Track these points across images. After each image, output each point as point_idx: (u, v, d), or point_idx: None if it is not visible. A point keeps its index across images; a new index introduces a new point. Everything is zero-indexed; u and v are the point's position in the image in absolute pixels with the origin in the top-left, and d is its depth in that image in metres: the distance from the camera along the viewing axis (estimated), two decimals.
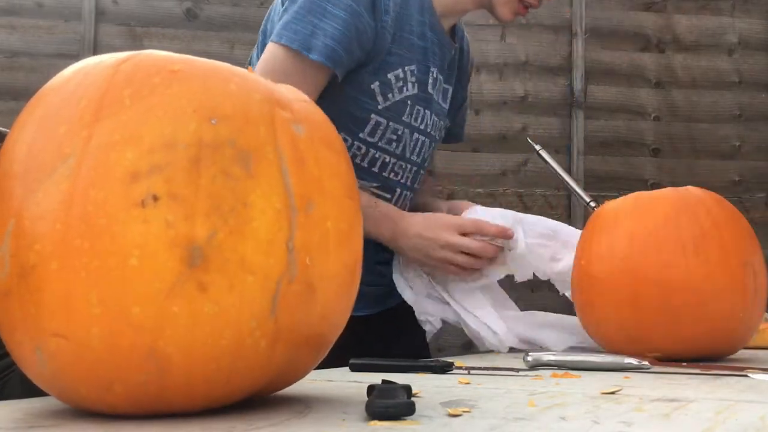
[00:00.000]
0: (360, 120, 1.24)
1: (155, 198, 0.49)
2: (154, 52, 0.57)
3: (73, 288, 0.49)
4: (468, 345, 2.53)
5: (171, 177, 0.50)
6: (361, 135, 1.25)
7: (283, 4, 1.22)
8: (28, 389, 0.61)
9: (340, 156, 0.60)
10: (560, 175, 1.37)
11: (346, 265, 0.58)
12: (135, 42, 2.60)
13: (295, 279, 0.52)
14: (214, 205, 0.50)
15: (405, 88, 1.26)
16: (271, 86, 0.59)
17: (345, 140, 1.23)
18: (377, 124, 1.26)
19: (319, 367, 0.78)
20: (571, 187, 1.36)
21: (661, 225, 1.03)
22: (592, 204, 1.27)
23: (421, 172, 1.39)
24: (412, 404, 0.53)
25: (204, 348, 0.50)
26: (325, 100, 1.17)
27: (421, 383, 0.75)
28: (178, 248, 0.49)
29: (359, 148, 1.26)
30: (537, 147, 1.39)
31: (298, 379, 0.62)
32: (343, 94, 1.22)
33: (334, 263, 0.56)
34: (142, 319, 0.48)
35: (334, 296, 0.57)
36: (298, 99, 0.60)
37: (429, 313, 1.29)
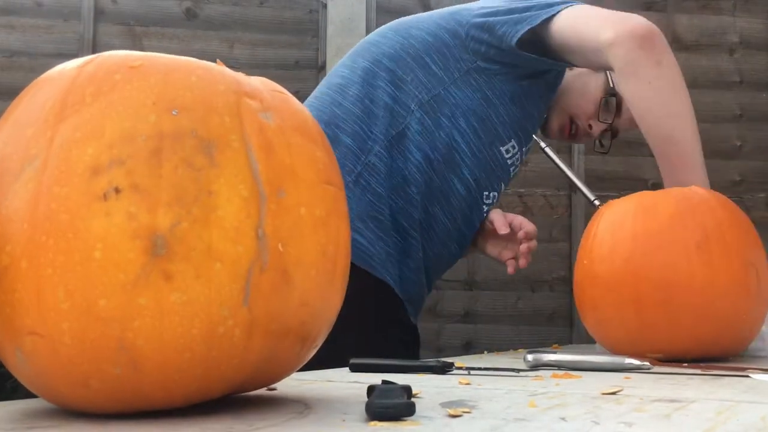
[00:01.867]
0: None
1: (117, 190, 0.49)
2: (116, 52, 0.58)
3: (42, 285, 0.49)
4: (468, 345, 2.53)
5: (132, 169, 0.50)
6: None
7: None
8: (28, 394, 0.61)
9: (316, 143, 0.60)
10: (565, 172, 1.37)
11: (324, 252, 0.57)
12: (134, 41, 2.59)
13: (267, 266, 0.52)
14: (177, 195, 0.50)
15: None
16: (238, 78, 0.59)
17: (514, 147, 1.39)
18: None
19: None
20: (575, 184, 1.37)
21: (665, 225, 1.03)
22: (597, 202, 1.26)
23: None
24: (412, 405, 0.53)
25: (174, 338, 0.50)
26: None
27: (421, 383, 0.75)
28: (141, 239, 0.49)
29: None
30: (543, 144, 1.40)
31: (288, 374, 0.62)
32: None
33: (311, 250, 0.56)
34: (109, 312, 0.49)
35: (314, 284, 0.56)
36: (269, 89, 0.61)
37: None
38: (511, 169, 1.40)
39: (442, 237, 1.36)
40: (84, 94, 0.53)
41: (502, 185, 1.40)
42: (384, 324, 1.30)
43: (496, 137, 1.34)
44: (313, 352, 0.61)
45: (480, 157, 1.34)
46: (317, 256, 0.56)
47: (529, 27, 1.24)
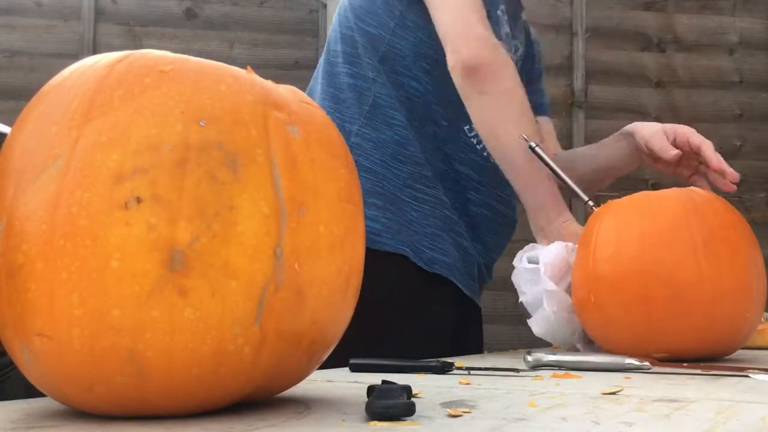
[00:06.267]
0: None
1: (138, 200, 0.49)
2: (150, 51, 0.57)
3: (56, 289, 0.49)
4: None
5: (155, 179, 0.49)
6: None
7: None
8: (29, 385, 0.61)
9: (339, 159, 0.59)
10: (557, 172, 1.32)
11: (340, 272, 0.56)
12: (134, 41, 2.60)
13: (282, 285, 0.52)
14: (198, 208, 0.49)
15: None
16: (267, 87, 0.58)
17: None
18: None
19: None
20: (568, 184, 1.32)
21: (672, 225, 1.03)
22: (590, 203, 1.25)
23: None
24: (412, 405, 0.53)
25: (184, 353, 0.50)
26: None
27: (421, 383, 0.75)
28: (159, 252, 0.48)
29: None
30: (532, 144, 1.30)
31: (292, 385, 0.62)
32: None
33: (327, 269, 0.55)
34: (121, 322, 0.48)
35: (326, 302, 0.56)
36: (297, 100, 0.59)
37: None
38: None
39: (464, 186, 1.35)
40: (113, 96, 0.52)
41: None
42: (405, 317, 1.25)
43: (446, 69, 1.27)
44: (319, 365, 0.61)
45: (442, 95, 1.31)
46: (332, 275, 0.56)
47: None
